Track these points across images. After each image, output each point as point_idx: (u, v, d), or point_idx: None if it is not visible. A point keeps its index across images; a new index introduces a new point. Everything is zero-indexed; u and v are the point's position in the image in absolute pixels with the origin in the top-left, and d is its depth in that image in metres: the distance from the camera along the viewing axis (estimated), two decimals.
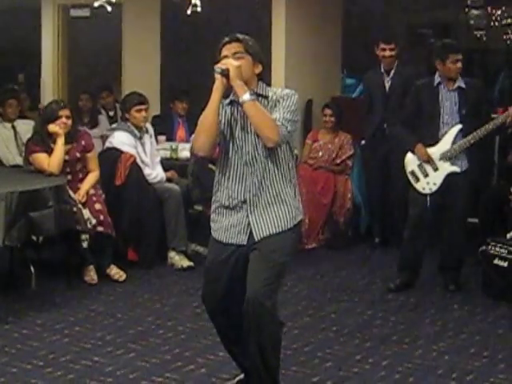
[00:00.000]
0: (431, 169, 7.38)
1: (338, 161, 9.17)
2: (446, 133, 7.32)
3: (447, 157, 7.29)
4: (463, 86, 7.35)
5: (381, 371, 5.53)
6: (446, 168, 7.31)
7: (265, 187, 4.49)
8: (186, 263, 7.82)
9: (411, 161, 7.51)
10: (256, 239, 4.48)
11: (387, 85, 8.67)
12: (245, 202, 4.49)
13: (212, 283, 4.64)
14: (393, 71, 8.64)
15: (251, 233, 4.49)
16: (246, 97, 4.31)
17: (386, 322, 6.64)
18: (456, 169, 7.30)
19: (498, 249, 7.36)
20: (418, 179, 7.48)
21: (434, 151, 7.33)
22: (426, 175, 7.41)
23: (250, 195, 4.49)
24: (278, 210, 4.52)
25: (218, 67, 4.35)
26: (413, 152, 7.46)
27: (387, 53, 8.59)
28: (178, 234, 8.00)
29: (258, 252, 4.46)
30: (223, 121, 4.55)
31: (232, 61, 4.36)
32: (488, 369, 5.64)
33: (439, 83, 7.38)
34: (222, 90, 4.40)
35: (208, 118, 4.43)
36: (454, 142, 7.28)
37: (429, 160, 7.35)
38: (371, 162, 8.77)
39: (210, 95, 4.45)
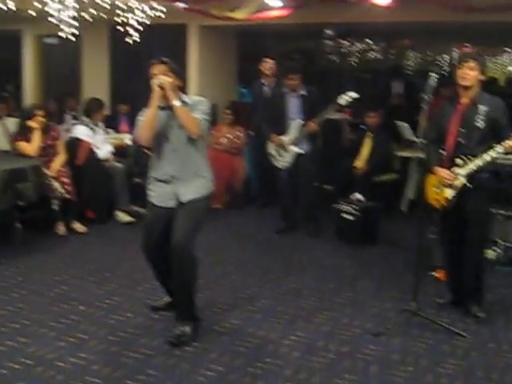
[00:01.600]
0: (283, 151, 7.60)
1: (236, 146, 9.24)
2: (291, 126, 7.51)
3: (294, 142, 7.49)
4: (305, 93, 7.54)
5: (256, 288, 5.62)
6: (294, 150, 7.53)
7: (187, 166, 4.65)
8: (127, 219, 7.88)
9: (271, 146, 7.74)
10: (182, 202, 4.63)
11: (266, 93, 8.60)
12: (173, 177, 4.65)
13: (150, 234, 4.78)
14: (272, 84, 8.66)
15: (177, 199, 4.62)
16: (177, 103, 4.49)
17: (267, 257, 6.78)
18: (300, 150, 7.53)
19: (345, 206, 7.57)
20: (275, 158, 7.72)
21: (285, 138, 7.54)
22: (280, 155, 7.65)
23: (176, 172, 4.64)
24: (197, 183, 4.69)
25: (158, 81, 4.47)
26: (270, 139, 7.69)
27: (267, 68, 8.63)
28: (122, 198, 8.04)
29: (182, 212, 4.62)
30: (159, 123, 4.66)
31: (167, 78, 4.50)
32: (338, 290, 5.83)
33: (286, 92, 7.55)
34: (159, 98, 4.50)
35: (150, 118, 4.57)
36: (298, 132, 7.49)
37: (282, 145, 7.56)
38: (256, 146, 8.82)
39: (146, 100, 4.58)
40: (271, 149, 7.73)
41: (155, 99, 4.52)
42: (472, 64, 5.01)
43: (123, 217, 7.92)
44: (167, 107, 4.56)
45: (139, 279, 5.84)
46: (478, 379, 4.27)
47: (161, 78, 4.49)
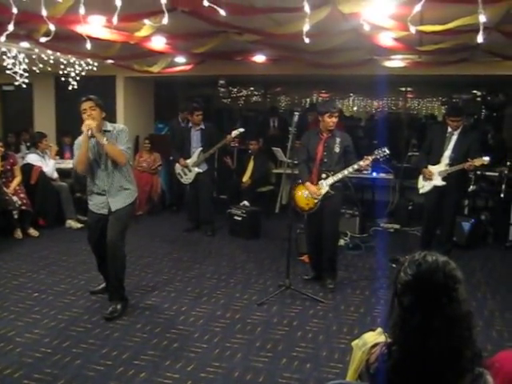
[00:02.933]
0: (188, 171, 7.59)
1: (153, 167, 9.14)
2: (194, 152, 7.52)
3: (195, 164, 7.50)
4: (203, 127, 7.56)
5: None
6: (195, 170, 7.54)
7: (114, 182, 4.61)
8: (78, 225, 7.62)
9: (178, 167, 7.68)
10: (112, 210, 4.59)
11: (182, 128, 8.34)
12: (104, 190, 4.59)
13: (92, 231, 4.72)
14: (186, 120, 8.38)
15: (109, 207, 4.56)
16: (104, 141, 4.41)
17: (178, 250, 6.74)
18: (200, 170, 7.54)
19: (235, 210, 7.63)
20: (181, 176, 7.71)
21: (189, 161, 7.54)
22: (185, 174, 7.64)
23: (107, 187, 4.58)
24: (123, 194, 4.65)
25: (89, 134, 4.38)
26: (178, 162, 7.63)
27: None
28: (69, 209, 7.79)
29: (112, 217, 4.58)
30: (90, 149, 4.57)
31: (91, 122, 4.39)
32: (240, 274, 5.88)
33: (191, 126, 7.57)
34: (88, 140, 4.42)
35: (82, 156, 4.50)
36: (198, 157, 7.49)
37: (186, 166, 7.55)
38: (172, 167, 8.73)
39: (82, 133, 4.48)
40: (178, 169, 7.70)
41: (85, 142, 4.43)
42: (336, 114, 5.28)
43: (74, 224, 7.67)
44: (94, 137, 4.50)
45: (81, 271, 5.73)
46: (334, 332, 4.42)
47: (87, 123, 4.38)
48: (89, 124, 4.38)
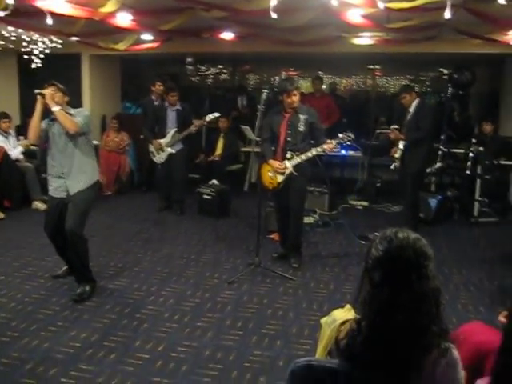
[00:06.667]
0: (161, 150, 7.47)
1: (121, 147, 9.02)
2: (168, 132, 7.42)
3: (169, 144, 7.41)
4: (180, 108, 7.46)
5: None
6: (169, 150, 7.45)
7: (73, 164, 4.50)
8: (44, 207, 7.40)
9: (151, 147, 7.57)
10: (71, 194, 4.47)
11: (154, 107, 8.08)
12: (63, 173, 4.47)
13: (49, 219, 4.60)
14: (160, 99, 8.19)
15: (68, 191, 4.46)
16: (54, 108, 4.33)
17: (147, 230, 6.70)
18: (172, 150, 7.45)
19: (204, 189, 7.58)
20: (154, 155, 7.60)
21: (163, 141, 7.44)
22: (158, 153, 7.52)
23: (66, 169, 4.47)
24: (81, 177, 4.52)
25: (37, 91, 4.36)
26: (151, 142, 7.55)
27: (157, 88, 8.23)
28: (35, 190, 7.62)
29: (72, 202, 4.47)
30: (47, 130, 4.48)
31: (47, 90, 4.33)
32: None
33: (167, 106, 7.45)
34: (41, 105, 4.35)
35: (34, 121, 4.40)
36: (172, 137, 7.40)
37: (160, 147, 7.43)
38: (144, 146, 8.59)
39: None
40: (152, 149, 7.59)
41: (38, 106, 4.37)
42: (296, 92, 5.22)
43: (40, 206, 7.47)
44: (53, 119, 4.42)
45: (48, 252, 5.54)
46: (304, 309, 4.46)
47: (44, 90, 4.34)
48: (45, 91, 4.33)
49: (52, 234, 4.60)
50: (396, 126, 6.51)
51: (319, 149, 5.21)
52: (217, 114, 7.57)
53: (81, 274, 4.62)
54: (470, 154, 7.29)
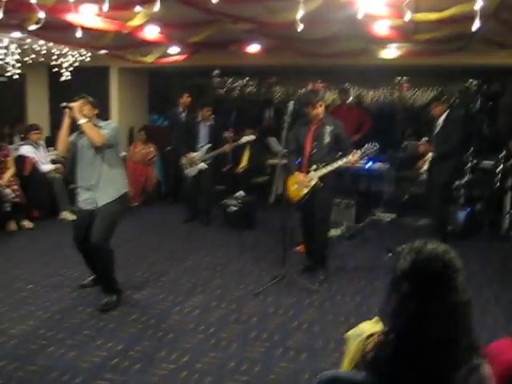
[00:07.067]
0: (194, 164, 7.50)
1: (148, 158, 9.11)
2: (201, 147, 7.46)
3: (201, 159, 7.44)
4: (213, 123, 7.51)
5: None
6: (201, 165, 7.47)
7: (102, 176, 4.52)
8: (72, 217, 7.50)
9: (183, 160, 7.60)
10: (99, 206, 4.50)
11: (182, 120, 8.32)
12: (92, 185, 4.50)
13: (78, 231, 4.64)
14: (186, 111, 8.41)
15: (96, 202, 4.49)
16: (81, 121, 4.36)
17: (173, 241, 6.70)
18: (205, 166, 7.48)
19: (230, 201, 7.60)
20: (186, 168, 7.60)
21: (196, 155, 7.48)
22: (191, 166, 7.52)
23: (94, 181, 4.50)
24: (110, 189, 4.54)
25: (64, 104, 4.43)
26: (185, 155, 7.55)
27: (185, 101, 8.41)
28: (63, 201, 7.71)
29: (99, 214, 4.48)
30: (76, 143, 4.53)
31: (76, 103, 4.40)
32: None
33: (200, 121, 7.48)
34: (68, 118, 4.42)
35: (61, 133, 4.48)
36: (206, 153, 7.46)
37: (193, 160, 7.46)
38: (171, 158, 8.67)
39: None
40: (184, 161, 7.63)
41: (65, 119, 4.44)
42: (320, 103, 5.22)
43: (69, 216, 7.55)
44: (82, 133, 4.46)
45: (76, 262, 5.58)
46: (330, 322, 4.41)
47: (71, 104, 4.40)
48: (73, 104, 4.40)
49: (80, 245, 4.63)
50: (426, 138, 6.46)
51: (344, 159, 5.18)
52: (253, 137, 7.67)
53: (107, 284, 4.66)
54: (500, 167, 7.17)
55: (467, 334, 1.57)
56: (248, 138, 7.55)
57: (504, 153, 7.30)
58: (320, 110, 5.22)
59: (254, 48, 7.27)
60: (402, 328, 1.57)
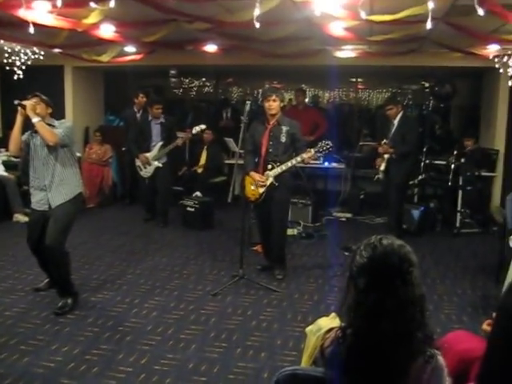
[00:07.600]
0: (147, 165, 7.44)
1: (104, 159, 8.99)
2: (154, 146, 7.40)
3: (156, 158, 7.38)
4: (164, 121, 7.46)
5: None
6: (155, 164, 7.42)
7: (55, 176, 4.42)
8: (26, 219, 7.30)
9: (137, 161, 7.54)
10: (52, 207, 4.41)
11: (137, 120, 8.19)
12: (45, 185, 4.41)
13: (31, 232, 4.52)
14: (141, 111, 8.25)
15: (49, 204, 4.40)
16: (35, 120, 4.25)
17: (130, 242, 6.65)
18: (159, 164, 7.42)
19: (188, 201, 7.56)
20: (141, 169, 7.55)
21: (149, 155, 7.42)
22: (145, 167, 7.48)
23: (47, 182, 4.41)
24: (64, 189, 4.45)
25: (17, 102, 4.29)
26: (137, 157, 7.50)
27: (140, 100, 8.30)
28: (16, 203, 7.53)
29: (53, 215, 4.39)
30: (29, 142, 4.44)
31: (29, 101, 4.29)
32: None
33: (151, 119, 7.45)
34: (21, 117, 4.29)
35: (14, 132, 4.36)
36: (158, 151, 7.40)
37: (147, 160, 7.39)
38: (126, 159, 8.56)
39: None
40: (138, 163, 7.55)
41: (18, 118, 4.31)
42: (274, 97, 5.21)
43: (21, 218, 7.40)
44: (35, 132, 4.37)
45: (29, 265, 5.48)
46: (288, 320, 4.43)
47: (25, 102, 4.28)
48: (27, 102, 4.28)
49: (34, 247, 4.51)
50: (385, 141, 6.56)
51: (299, 158, 5.20)
52: (203, 126, 7.60)
53: (62, 287, 4.55)
54: (452, 166, 7.36)
55: (422, 327, 1.61)
56: (198, 128, 7.51)
57: (456, 152, 7.50)
58: (274, 103, 5.18)
59: (210, 48, 7.25)
60: (359, 323, 1.60)
